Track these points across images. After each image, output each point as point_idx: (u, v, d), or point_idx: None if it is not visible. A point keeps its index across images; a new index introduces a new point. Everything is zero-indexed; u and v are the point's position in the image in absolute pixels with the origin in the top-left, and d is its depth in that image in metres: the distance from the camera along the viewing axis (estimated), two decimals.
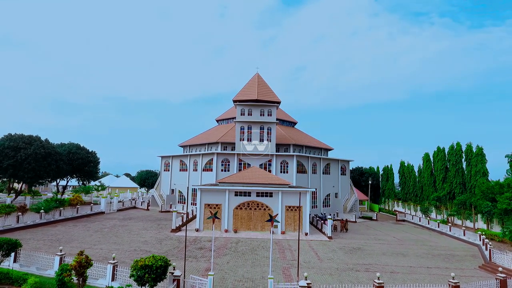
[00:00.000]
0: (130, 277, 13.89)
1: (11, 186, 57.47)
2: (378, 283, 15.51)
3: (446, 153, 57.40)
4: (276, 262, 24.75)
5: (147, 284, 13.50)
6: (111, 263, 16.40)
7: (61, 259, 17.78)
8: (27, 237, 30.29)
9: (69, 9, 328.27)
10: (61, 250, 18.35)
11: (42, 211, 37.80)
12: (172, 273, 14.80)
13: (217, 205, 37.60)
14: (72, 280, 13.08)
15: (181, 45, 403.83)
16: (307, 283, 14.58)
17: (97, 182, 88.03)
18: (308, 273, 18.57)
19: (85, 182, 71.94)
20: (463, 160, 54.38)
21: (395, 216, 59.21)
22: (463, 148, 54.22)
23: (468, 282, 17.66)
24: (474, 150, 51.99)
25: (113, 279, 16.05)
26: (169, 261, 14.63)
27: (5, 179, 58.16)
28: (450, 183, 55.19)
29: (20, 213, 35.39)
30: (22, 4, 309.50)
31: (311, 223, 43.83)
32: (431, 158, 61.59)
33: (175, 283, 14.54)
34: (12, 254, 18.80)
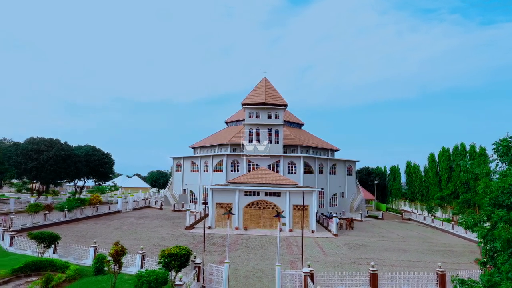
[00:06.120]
0: (158, 263, 16.23)
1: (33, 187, 60.83)
2: (372, 270, 17.57)
3: (451, 153, 58.71)
4: (283, 256, 26.83)
5: (173, 270, 15.84)
6: (139, 253, 18.90)
7: (95, 250, 20.33)
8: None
9: (77, 11, 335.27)
10: (95, 243, 20.88)
11: (66, 209, 40.65)
12: (194, 261, 17.08)
13: (228, 204, 39.82)
14: (110, 267, 15.45)
15: (187, 46, 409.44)
16: (309, 270, 16.72)
17: (110, 183, 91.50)
18: (313, 266, 20.55)
19: (100, 182, 75.29)
20: (467, 160, 55.63)
21: (401, 215, 60.68)
22: (467, 148, 55.51)
23: (455, 270, 19.52)
24: (477, 150, 53.25)
25: (141, 267, 18.49)
26: (191, 250, 16.98)
27: (27, 180, 61.64)
28: (455, 182, 56.48)
29: (47, 212, 38.31)
30: (25, 7, 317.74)
31: (317, 221, 45.74)
32: (436, 158, 62.92)
33: (196, 269, 16.83)
34: (52, 246, 21.46)
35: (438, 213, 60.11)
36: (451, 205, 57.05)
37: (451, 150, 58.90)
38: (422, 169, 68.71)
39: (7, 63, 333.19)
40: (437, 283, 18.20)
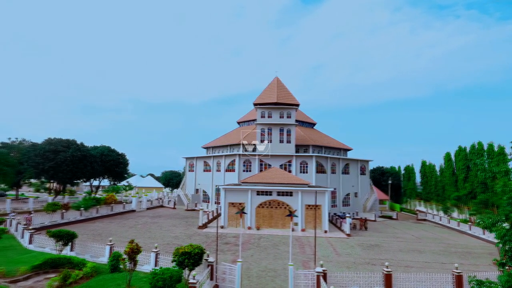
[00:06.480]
0: (172, 261, 16.48)
1: (51, 186, 62.48)
2: (386, 271, 17.35)
3: (468, 153, 57.40)
4: (296, 256, 26.75)
5: (187, 268, 16.05)
6: (154, 251, 19.22)
7: (111, 248, 20.78)
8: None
9: (88, 16, 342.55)
10: (110, 241, 21.34)
11: (82, 209, 41.60)
12: (207, 259, 17.27)
13: (240, 203, 39.96)
14: (125, 265, 15.76)
15: (197, 48, 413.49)
16: (322, 270, 16.64)
17: (124, 182, 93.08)
18: (326, 266, 20.39)
19: (115, 182, 76.74)
20: (484, 159, 54.25)
21: (416, 216, 59.67)
22: (485, 147, 54.13)
23: (472, 272, 19.04)
24: (495, 149, 51.88)
25: (155, 265, 18.79)
26: (204, 249, 17.16)
27: (45, 180, 63.35)
28: (472, 182, 55.16)
29: (64, 211, 39.31)
30: (45, 11, 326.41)
31: (330, 221, 45.41)
32: (453, 158, 61.61)
33: (209, 268, 16.99)
34: (70, 244, 22.05)
35: (455, 214, 58.82)
36: (468, 205, 55.74)
37: (468, 149, 57.56)
38: (437, 168, 67.41)
39: (20, 65, 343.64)
40: (453, 285, 17.82)
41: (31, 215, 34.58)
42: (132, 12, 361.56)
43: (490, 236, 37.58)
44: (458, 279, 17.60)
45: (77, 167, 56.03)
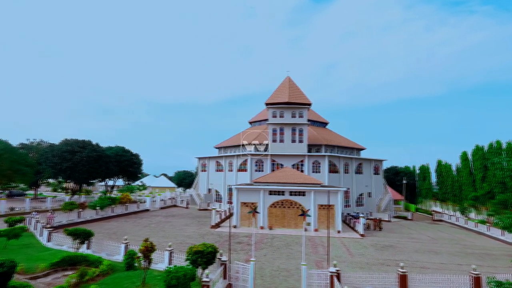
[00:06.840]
0: (186, 260, 16.67)
1: (67, 186, 64.03)
2: (401, 272, 17.07)
3: (485, 152, 55.93)
4: (309, 256, 26.63)
5: (200, 267, 16.21)
6: (168, 250, 19.50)
7: (126, 247, 21.18)
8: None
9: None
10: (125, 239, 21.74)
11: (98, 208, 42.47)
12: (220, 258, 17.40)
13: (252, 203, 40.03)
14: (140, 263, 16.04)
15: (208, 48, 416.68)
16: (336, 270, 16.53)
17: (138, 182, 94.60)
18: (339, 266, 20.24)
19: (129, 182, 78.05)
20: (503, 157, 52.75)
21: (432, 216, 58.52)
22: (504, 146, 52.64)
23: (491, 273, 18.54)
24: None
25: (169, 263, 19.06)
26: (217, 248, 17.30)
27: (62, 180, 64.95)
28: (490, 182, 53.71)
29: (81, 210, 40.23)
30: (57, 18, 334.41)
31: (343, 221, 44.99)
32: (470, 157, 60.16)
33: (223, 267, 17.11)
34: (86, 242, 22.58)
35: (472, 214, 57.37)
36: (486, 205, 54.29)
37: (485, 148, 56.08)
38: (453, 168, 65.92)
39: (36, 67, 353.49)
40: (471, 287, 17.40)
41: (52, 214, 35.52)
42: (145, 14, 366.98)
43: (509, 237, 36.54)
44: (476, 281, 17.18)
45: (93, 167, 57.19)
